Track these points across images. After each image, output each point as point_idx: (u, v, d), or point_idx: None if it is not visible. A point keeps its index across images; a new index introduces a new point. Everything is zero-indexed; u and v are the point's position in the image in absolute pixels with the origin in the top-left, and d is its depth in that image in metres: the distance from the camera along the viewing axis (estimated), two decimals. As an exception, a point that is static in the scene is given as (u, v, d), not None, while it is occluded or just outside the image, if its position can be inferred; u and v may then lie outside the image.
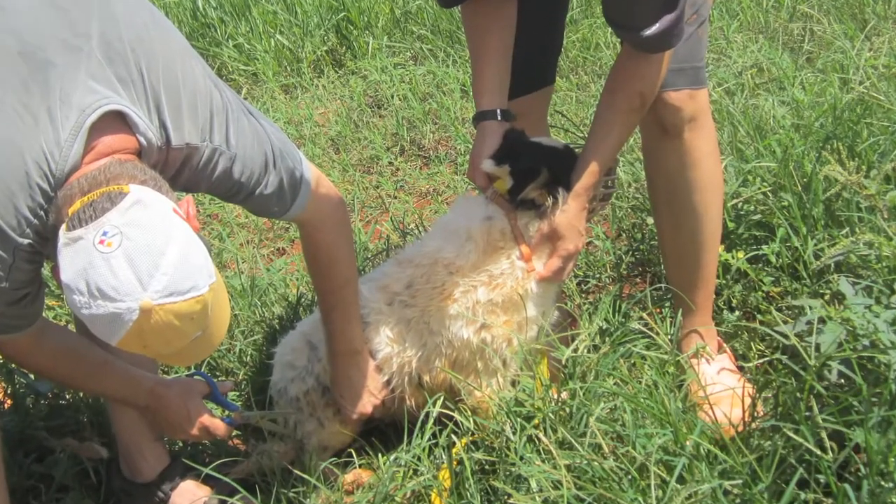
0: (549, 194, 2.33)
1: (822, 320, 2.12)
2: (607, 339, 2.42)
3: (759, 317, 2.79)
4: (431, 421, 2.24)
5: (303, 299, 3.23)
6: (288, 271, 3.65)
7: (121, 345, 1.72)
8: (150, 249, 1.68)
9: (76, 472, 2.57)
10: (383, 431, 2.63)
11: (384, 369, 2.46)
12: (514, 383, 2.38)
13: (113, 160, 1.83)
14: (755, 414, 2.15)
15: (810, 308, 2.19)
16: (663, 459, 1.99)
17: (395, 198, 4.21)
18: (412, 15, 5.55)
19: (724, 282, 2.87)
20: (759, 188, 2.97)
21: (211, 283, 1.74)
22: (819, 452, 1.87)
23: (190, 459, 2.52)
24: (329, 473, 2.51)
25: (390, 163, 4.49)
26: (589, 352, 2.32)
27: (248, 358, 3.08)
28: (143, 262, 1.67)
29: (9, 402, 2.78)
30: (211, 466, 2.35)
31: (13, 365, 2.69)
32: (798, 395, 2.02)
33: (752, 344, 2.72)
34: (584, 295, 3.14)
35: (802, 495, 1.88)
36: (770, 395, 2.25)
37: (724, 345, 2.71)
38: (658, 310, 2.72)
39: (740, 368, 2.66)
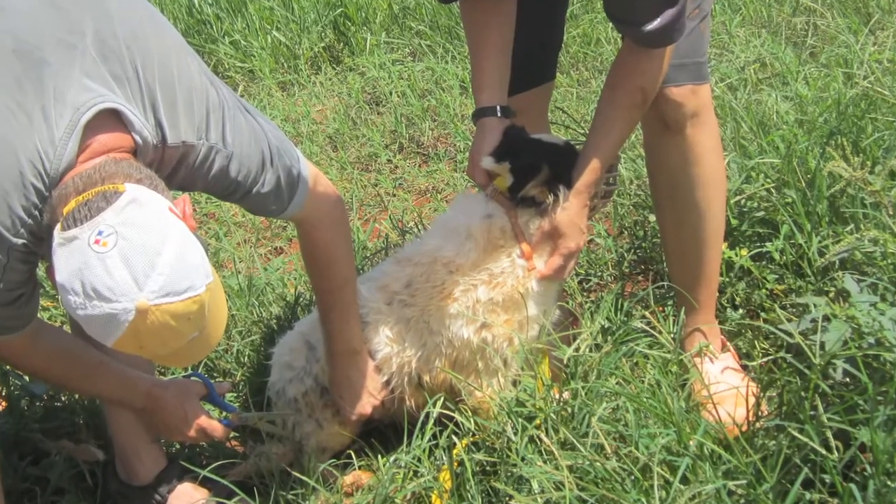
0: (549, 192, 2.32)
1: (826, 318, 2.11)
2: (609, 338, 2.42)
3: (762, 315, 2.79)
4: (432, 422, 2.24)
5: (301, 299, 3.23)
6: (286, 271, 3.65)
7: (117, 346, 1.72)
8: (145, 249, 1.67)
9: (72, 474, 2.56)
10: (383, 432, 2.62)
11: (383, 369, 2.46)
12: (515, 383, 2.37)
13: (108, 159, 1.82)
14: (759, 413, 2.14)
15: (815, 306, 2.17)
16: (666, 460, 1.98)
17: (394, 196, 4.20)
18: (410, 10, 5.55)
19: (727, 279, 2.87)
20: (763, 184, 2.96)
21: (208, 282, 1.74)
22: (824, 452, 1.86)
23: (187, 462, 2.52)
24: (328, 475, 2.50)
25: (389, 160, 4.48)
26: (591, 351, 2.32)
27: (246, 359, 3.07)
28: (138, 261, 1.66)
29: (3, 404, 2.77)
30: (208, 469, 2.34)
31: (8, 367, 2.69)
32: (803, 394, 2.01)
33: (755, 342, 2.72)
34: (585, 293, 3.14)
35: (807, 495, 1.88)
36: (774, 394, 2.25)
37: (728, 343, 2.70)
38: (661, 308, 2.71)
39: (744, 367, 2.65)
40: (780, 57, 4.16)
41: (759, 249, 2.86)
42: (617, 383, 2.24)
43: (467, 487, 2.13)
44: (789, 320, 2.31)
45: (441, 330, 2.36)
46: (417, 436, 2.24)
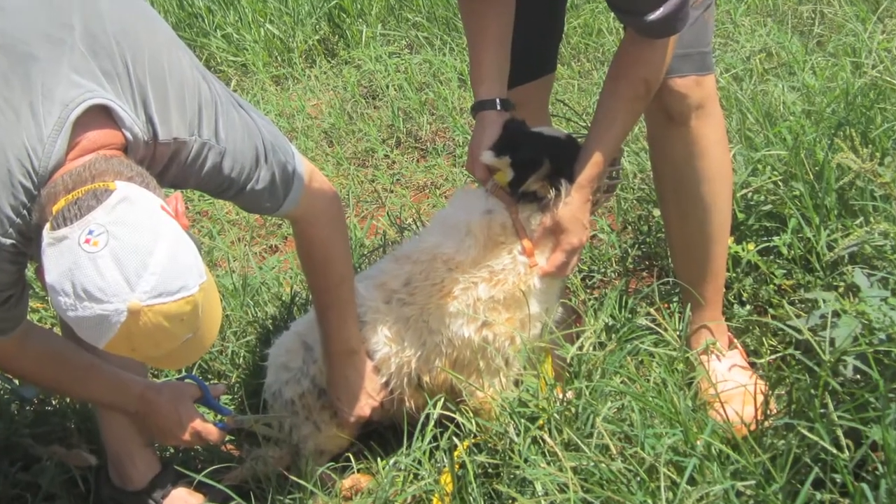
0: (551, 186, 2.31)
1: (836, 314, 2.09)
2: (613, 335, 2.41)
3: (770, 311, 2.79)
4: (432, 423, 2.24)
5: (297, 298, 3.22)
6: (281, 269, 3.64)
7: (108, 348, 1.71)
8: (137, 249, 1.66)
9: (63, 480, 2.55)
10: (382, 434, 2.62)
11: (382, 370, 2.45)
12: (517, 383, 2.37)
13: (98, 156, 1.82)
14: (768, 412, 2.14)
15: (824, 301, 2.16)
16: (673, 460, 1.97)
17: (392, 192, 4.19)
18: (407, 1, 5.53)
19: (734, 275, 2.86)
20: (770, 177, 2.96)
21: (201, 282, 1.73)
22: (835, 451, 1.85)
23: (182, 466, 2.51)
24: (326, 479, 2.49)
25: (386, 155, 4.47)
26: (594, 349, 2.31)
27: (241, 360, 3.06)
28: (130, 261, 1.65)
29: (-7, 408, 2.78)
30: (204, 473, 2.34)
31: (-3, 370, 2.69)
32: (812, 391, 2.00)
33: (763, 339, 2.70)
34: (588, 290, 3.13)
35: (818, 496, 1.86)
36: (783, 392, 2.24)
37: (735, 340, 2.70)
38: (666, 305, 2.70)
39: (752, 365, 2.65)
40: (786, 46, 4.16)
41: (767, 244, 2.85)
42: (622, 382, 2.24)
43: (469, 490, 2.11)
44: (798, 316, 2.33)
45: (441, 329, 2.35)
46: (418, 438, 2.23)
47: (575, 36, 4.81)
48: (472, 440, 2.24)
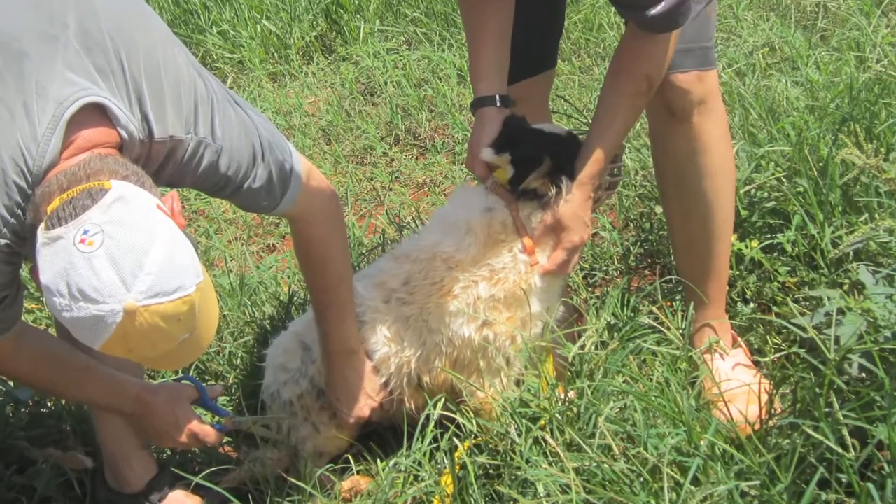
0: (552, 184, 2.31)
1: (841, 311, 2.09)
2: (616, 334, 2.40)
3: (774, 309, 2.78)
4: (432, 424, 2.23)
5: (295, 298, 3.22)
6: (279, 269, 3.64)
7: (104, 349, 1.70)
8: (133, 248, 1.66)
9: (59, 483, 2.55)
10: (382, 435, 2.61)
11: (382, 370, 2.45)
12: (518, 383, 2.36)
13: (93, 155, 1.81)
14: (772, 411, 2.12)
15: (829, 299, 2.16)
16: (677, 460, 1.96)
17: (391, 190, 4.19)
18: (405, -3, 5.53)
19: (737, 272, 2.85)
20: (773, 174, 2.95)
21: (198, 282, 1.72)
22: (840, 450, 1.84)
23: (179, 468, 2.51)
24: (325, 480, 2.49)
25: (385, 153, 4.47)
26: (596, 348, 2.30)
27: (239, 360, 3.06)
28: (126, 261, 1.65)
29: (-12, 410, 2.78)
30: (201, 475, 2.33)
31: (-8, 372, 2.69)
32: (817, 390, 1.98)
33: (767, 337, 2.71)
34: (590, 289, 3.14)
35: (823, 496, 1.85)
36: (788, 390, 2.23)
37: (739, 339, 2.69)
38: (669, 303, 2.71)
39: (756, 363, 2.64)
40: (789, 41, 4.15)
41: (770, 241, 2.85)
42: (624, 382, 2.23)
43: (470, 492, 2.11)
44: (802, 314, 2.29)
45: (441, 328, 2.35)
46: (418, 438, 2.22)
47: (575, 31, 4.81)
48: (473, 441, 2.23)
